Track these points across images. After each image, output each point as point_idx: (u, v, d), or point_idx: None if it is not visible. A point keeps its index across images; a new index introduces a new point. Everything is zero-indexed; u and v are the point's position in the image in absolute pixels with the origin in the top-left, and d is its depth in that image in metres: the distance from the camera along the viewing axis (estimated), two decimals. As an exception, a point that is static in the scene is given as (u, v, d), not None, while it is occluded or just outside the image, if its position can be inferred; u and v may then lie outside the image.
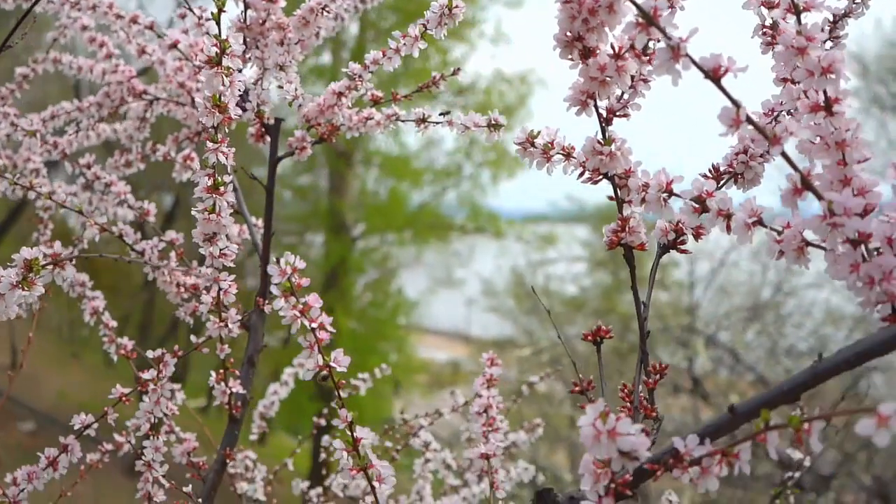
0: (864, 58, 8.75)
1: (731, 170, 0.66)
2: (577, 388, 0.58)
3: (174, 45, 1.02)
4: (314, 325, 0.60)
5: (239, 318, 0.89)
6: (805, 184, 0.50)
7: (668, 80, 0.51)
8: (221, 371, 0.94)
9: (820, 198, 0.50)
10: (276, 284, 0.59)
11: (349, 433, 0.63)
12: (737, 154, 0.66)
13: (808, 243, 0.53)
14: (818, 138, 0.53)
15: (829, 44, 0.69)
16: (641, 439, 0.49)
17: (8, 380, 1.21)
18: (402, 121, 0.95)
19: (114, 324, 1.09)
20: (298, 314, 0.60)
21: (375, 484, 0.63)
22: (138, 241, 1.01)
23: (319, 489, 1.36)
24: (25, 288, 0.66)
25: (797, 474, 1.06)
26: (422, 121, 0.93)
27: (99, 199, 1.13)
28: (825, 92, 0.52)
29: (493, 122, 0.83)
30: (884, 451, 6.18)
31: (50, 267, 0.65)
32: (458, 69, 0.97)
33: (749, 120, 0.49)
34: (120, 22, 1.08)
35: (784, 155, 0.50)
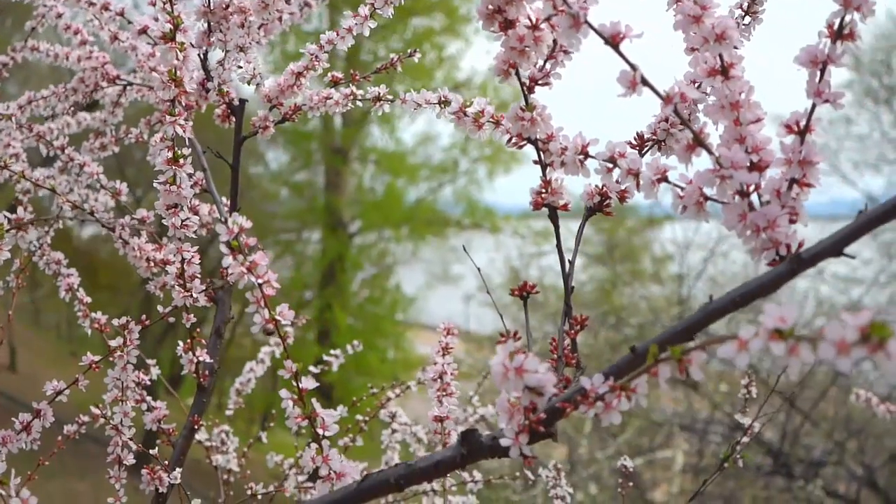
0: (856, 50, 8.77)
1: (654, 137, 0.70)
2: (502, 339, 0.62)
3: (144, 31, 1.06)
4: (261, 280, 0.65)
5: (203, 288, 0.93)
6: (697, 141, 0.54)
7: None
8: (189, 341, 0.99)
9: (710, 153, 0.54)
10: (223, 242, 0.64)
11: (295, 384, 0.67)
12: (659, 122, 0.70)
13: (707, 198, 0.58)
14: (715, 100, 0.57)
15: (747, 18, 0.73)
16: (547, 376, 0.53)
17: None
18: (360, 100, 0.99)
19: (88, 300, 1.13)
20: (245, 271, 0.64)
21: (320, 431, 0.67)
22: (111, 218, 1.05)
23: (291, 460, 1.41)
24: (-8, 252, 0.70)
25: (745, 439, 1.10)
26: (377, 99, 0.97)
27: (74, 182, 1.17)
28: (721, 57, 0.56)
29: (442, 99, 0.87)
30: (874, 440, 6.24)
31: (13, 231, 0.69)
32: (415, 51, 1.02)
33: (644, 81, 0.53)
34: (92, 9, 1.12)
35: (677, 113, 0.54)
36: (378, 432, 1.38)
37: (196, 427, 1.01)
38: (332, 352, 1.43)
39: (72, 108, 1.20)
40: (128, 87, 1.21)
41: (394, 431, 1.31)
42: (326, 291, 10.48)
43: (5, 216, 0.70)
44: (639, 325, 7.15)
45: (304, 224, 11.34)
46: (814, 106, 0.55)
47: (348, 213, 11.20)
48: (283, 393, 0.68)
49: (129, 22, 1.11)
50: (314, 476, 0.66)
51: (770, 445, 5.92)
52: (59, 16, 1.20)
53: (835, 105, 0.54)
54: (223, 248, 0.65)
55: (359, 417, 1.30)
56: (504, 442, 0.58)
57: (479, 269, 0.96)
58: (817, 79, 0.55)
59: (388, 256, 11.86)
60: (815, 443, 6.22)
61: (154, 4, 1.07)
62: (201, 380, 1.01)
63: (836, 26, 0.55)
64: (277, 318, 0.66)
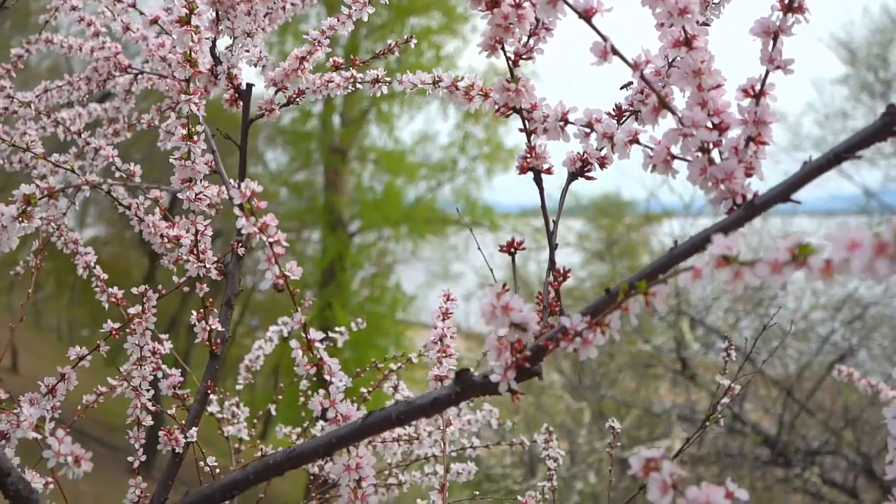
0: (851, 45, 8.84)
1: (630, 108, 0.77)
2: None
3: (155, 21, 1.13)
4: (271, 240, 0.71)
5: (215, 259, 1.00)
6: (662, 103, 0.61)
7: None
8: (202, 310, 1.05)
9: (674, 114, 0.60)
10: (237, 205, 0.70)
11: (304, 335, 0.74)
12: (635, 94, 0.77)
13: (674, 156, 0.64)
14: (679, 69, 0.63)
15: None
16: (531, 313, 0.60)
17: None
18: (359, 82, 1.05)
19: (105, 276, 1.20)
20: (258, 231, 0.71)
21: (327, 377, 0.74)
22: (126, 197, 1.11)
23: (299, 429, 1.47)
24: (24, 220, 0.77)
25: (726, 399, 1.16)
26: (376, 81, 1.03)
27: (90, 166, 1.24)
28: (684, 29, 0.63)
29: (436, 79, 0.94)
30: (870, 429, 6.31)
31: (45, 199, 0.75)
32: (412, 37, 1.08)
33: (614, 51, 0.60)
34: (105, 1, 1.18)
35: (643, 79, 0.61)
36: (381, 403, 1.44)
37: (209, 392, 1.07)
38: (336, 328, 1.50)
39: (85, 98, 1.26)
40: (139, 76, 1.27)
41: (397, 402, 1.36)
42: (327, 291, 10.53)
43: (36, 185, 0.76)
44: (639, 323, 7.23)
45: (303, 224, 11.39)
46: (767, 72, 0.62)
47: (348, 213, 11.25)
48: (293, 343, 0.74)
49: (141, 13, 1.17)
50: (323, 417, 0.73)
51: (768, 436, 5.99)
52: (74, 8, 1.27)
53: (785, 71, 0.61)
54: (236, 211, 0.71)
55: (363, 389, 1.37)
56: (493, 378, 0.64)
57: (490, 267, 1.00)
58: (770, 47, 0.61)
59: (388, 255, 11.92)
60: (811, 433, 6.29)
61: (164, -3, 1.14)
62: (213, 348, 1.08)
63: (786, 0, 0.61)
64: (287, 273, 0.72)
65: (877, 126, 0.54)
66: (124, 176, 1.15)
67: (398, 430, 1.27)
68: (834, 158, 0.55)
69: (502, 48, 0.69)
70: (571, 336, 0.61)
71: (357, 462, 0.72)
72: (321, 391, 0.74)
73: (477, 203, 11.23)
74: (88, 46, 1.30)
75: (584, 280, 9.97)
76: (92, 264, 1.20)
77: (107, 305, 1.16)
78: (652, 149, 0.65)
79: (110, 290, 1.16)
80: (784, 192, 0.57)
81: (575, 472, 5.39)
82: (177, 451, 1.04)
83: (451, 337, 1.02)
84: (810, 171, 0.56)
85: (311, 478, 1.53)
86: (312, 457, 0.69)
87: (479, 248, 1.10)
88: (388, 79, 1.02)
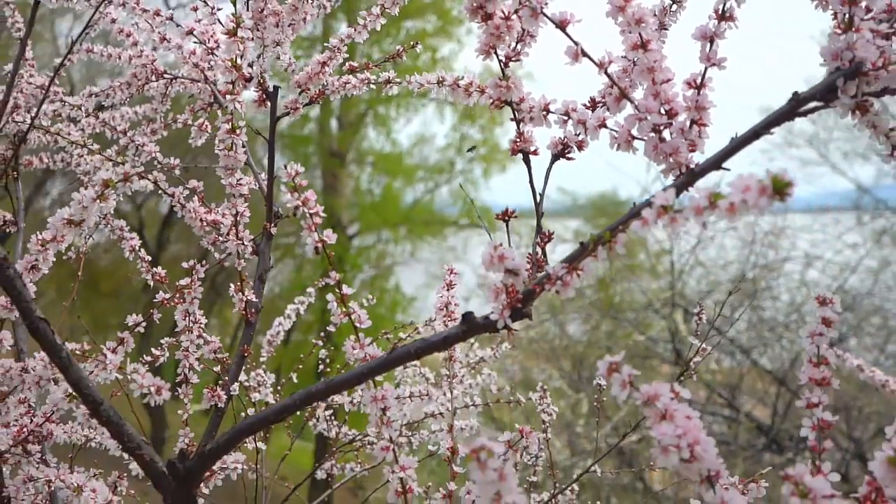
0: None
1: (603, 100, 0.93)
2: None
3: (190, 32, 1.29)
4: (311, 211, 0.87)
5: (252, 237, 1.16)
6: (622, 94, 0.77)
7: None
8: (239, 283, 1.21)
9: (632, 102, 0.77)
10: (284, 182, 0.86)
11: (338, 290, 0.90)
12: (606, 88, 0.93)
13: (633, 137, 0.80)
14: (635, 66, 0.80)
15: (674, 6, 0.96)
16: (521, 261, 0.76)
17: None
18: (372, 83, 1.22)
19: (149, 258, 1.36)
20: (300, 203, 0.87)
21: (357, 324, 0.90)
22: (168, 187, 1.27)
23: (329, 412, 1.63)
24: (102, 201, 0.93)
25: (697, 358, 1.32)
26: (387, 82, 1.20)
27: (133, 161, 1.40)
28: (640, 35, 0.79)
29: (440, 78, 1.10)
30: (862, 416, 6.48)
31: (121, 183, 0.91)
32: (417, 43, 1.24)
33: (583, 53, 0.76)
34: (145, 15, 1.34)
35: (607, 75, 0.77)
36: (391, 376, 1.60)
37: (245, 354, 1.23)
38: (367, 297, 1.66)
39: (126, 100, 1.42)
40: (173, 81, 1.43)
41: (405, 367, 1.53)
42: (327, 293, 10.66)
43: (114, 170, 0.92)
44: (636, 316, 7.40)
45: (302, 227, 11.52)
46: (706, 69, 0.78)
47: (346, 216, 11.40)
48: (330, 297, 0.90)
49: (178, 25, 1.33)
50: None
51: (761, 424, 6.16)
52: (114, 21, 1.43)
53: (719, 67, 0.77)
54: (283, 188, 0.87)
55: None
56: (493, 317, 0.80)
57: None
58: (707, 48, 0.77)
59: (387, 257, 12.06)
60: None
61: (196, 9, 1.30)
62: (249, 317, 1.24)
63: (720, 11, 0.77)
64: (324, 238, 0.89)
65: (784, 109, 0.71)
66: (165, 169, 1.31)
67: (409, 387, 1.43)
68: (753, 134, 0.71)
69: (495, 52, 0.86)
70: (554, 280, 0.77)
71: (382, 394, 0.88)
72: (351, 336, 0.90)
73: (474, 204, 11.38)
74: (127, 55, 1.46)
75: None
76: (137, 247, 1.36)
77: (152, 283, 1.32)
78: (616, 131, 0.81)
79: (154, 269, 1.32)
80: (716, 162, 0.73)
81: (574, 461, 5.55)
82: (219, 405, 1.20)
83: (455, 304, 1.18)
84: (736, 144, 0.72)
85: (313, 480, 1.69)
86: (347, 385, 0.85)
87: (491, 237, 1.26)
88: (398, 80, 1.18)
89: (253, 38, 1.19)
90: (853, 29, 0.69)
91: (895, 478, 0.55)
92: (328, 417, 1.69)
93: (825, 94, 0.70)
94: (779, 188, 0.54)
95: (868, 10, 0.71)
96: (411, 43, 1.23)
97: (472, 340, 1.80)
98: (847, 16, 0.69)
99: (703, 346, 1.32)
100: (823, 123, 8.65)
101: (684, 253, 7.30)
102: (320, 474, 1.66)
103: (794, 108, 0.71)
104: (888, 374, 1.43)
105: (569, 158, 0.93)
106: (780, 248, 7.62)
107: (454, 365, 1.28)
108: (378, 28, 1.16)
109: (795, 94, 0.71)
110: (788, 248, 7.55)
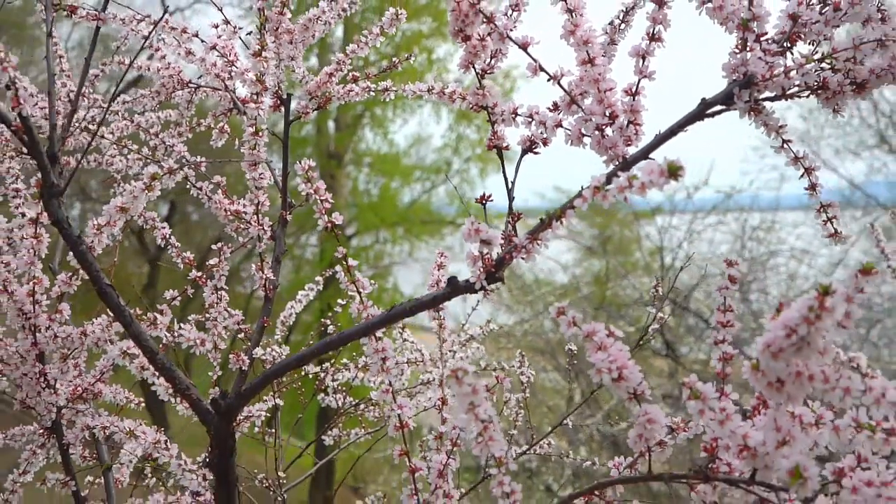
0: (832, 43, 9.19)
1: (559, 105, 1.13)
2: (480, 200, 1.05)
3: (213, 47, 1.49)
4: (322, 198, 1.07)
5: (271, 223, 1.35)
6: (572, 100, 0.97)
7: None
8: (259, 263, 1.41)
9: (579, 107, 0.97)
10: (298, 175, 1.06)
11: (344, 262, 1.10)
12: (562, 96, 1.12)
13: (583, 134, 1.00)
14: (585, 79, 0.99)
15: (622, 25, 1.16)
16: (495, 233, 0.95)
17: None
18: (373, 91, 1.42)
19: (178, 245, 1.55)
20: (313, 192, 1.07)
21: (361, 290, 1.09)
22: (195, 182, 1.47)
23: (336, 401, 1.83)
24: (149, 190, 1.12)
25: (655, 326, 1.51)
26: (386, 90, 1.39)
27: (163, 159, 1.59)
28: (587, 52, 0.99)
29: (430, 87, 1.30)
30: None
31: (167, 175, 1.11)
32: (410, 55, 1.44)
33: (541, 68, 0.96)
34: (173, 32, 1.54)
35: (560, 86, 0.97)
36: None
37: (265, 325, 1.43)
38: (339, 301, 1.86)
39: (157, 106, 1.62)
40: (197, 89, 1.63)
41: (405, 340, 1.73)
42: (326, 293, 10.84)
43: (159, 164, 1.11)
44: (631, 313, 7.61)
45: (301, 228, 11.73)
46: (639, 80, 0.98)
47: (344, 216, 11.57)
48: (337, 267, 1.10)
49: (202, 41, 1.53)
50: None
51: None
52: (145, 38, 1.62)
53: (649, 78, 0.97)
54: (298, 179, 1.07)
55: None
56: (471, 279, 1.00)
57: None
58: (640, 64, 0.97)
59: (385, 257, 12.24)
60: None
61: (216, 27, 1.50)
62: (268, 293, 1.44)
63: (650, 33, 0.97)
64: (333, 220, 1.08)
65: (695, 112, 0.91)
66: (192, 166, 1.51)
67: (407, 355, 1.63)
68: (669, 133, 0.91)
69: (473, 66, 1.06)
70: (520, 248, 0.97)
71: (383, 346, 1.08)
72: (357, 298, 1.09)
73: (471, 203, 11.56)
74: (155, 66, 1.65)
75: (581, 276, 10.28)
76: (168, 235, 1.55)
77: (182, 266, 1.51)
78: (569, 130, 1.01)
79: (184, 254, 1.52)
80: (644, 154, 0.93)
81: (567, 448, 5.75)
82: (243, 368, 1.39)
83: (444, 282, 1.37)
84: (659, 140, 0.92)
85: (313, 480, 1.88)
86: (356, 336, 1.05)
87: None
88: (394, 88, 1.38)
89: (273, 56, 1.39)
90: (747, 49, 0.89)
91: (758, 380, 0.75)
92: (335, 388, 1.89)
93: (725, 99, 0.90)
94: (673, 171, 0.74)
95: (762, 35, 0.91)
96: (405, 56, 1.43)
97: (463, 325, 2.01)
98: (741, 38, 0.89)
99: (661, 315, 1.52)
100: (815, 121, 8.86)
101: (675, 248, 7.50)
102: (328, 440, 1.86)
103: (703, 110, 0.91)
104: (871, 361, 1.62)
105: (535, 153, 1.13)
106: (769, 242, 7.83)
107: (444, 332, 1.48)
108: (378, 44, 1.36)
109: (703, 99, 0.91)
110: (776, 242, 7.76)
